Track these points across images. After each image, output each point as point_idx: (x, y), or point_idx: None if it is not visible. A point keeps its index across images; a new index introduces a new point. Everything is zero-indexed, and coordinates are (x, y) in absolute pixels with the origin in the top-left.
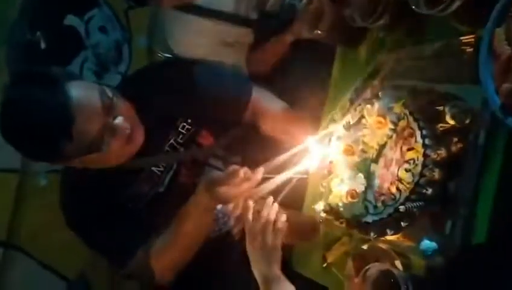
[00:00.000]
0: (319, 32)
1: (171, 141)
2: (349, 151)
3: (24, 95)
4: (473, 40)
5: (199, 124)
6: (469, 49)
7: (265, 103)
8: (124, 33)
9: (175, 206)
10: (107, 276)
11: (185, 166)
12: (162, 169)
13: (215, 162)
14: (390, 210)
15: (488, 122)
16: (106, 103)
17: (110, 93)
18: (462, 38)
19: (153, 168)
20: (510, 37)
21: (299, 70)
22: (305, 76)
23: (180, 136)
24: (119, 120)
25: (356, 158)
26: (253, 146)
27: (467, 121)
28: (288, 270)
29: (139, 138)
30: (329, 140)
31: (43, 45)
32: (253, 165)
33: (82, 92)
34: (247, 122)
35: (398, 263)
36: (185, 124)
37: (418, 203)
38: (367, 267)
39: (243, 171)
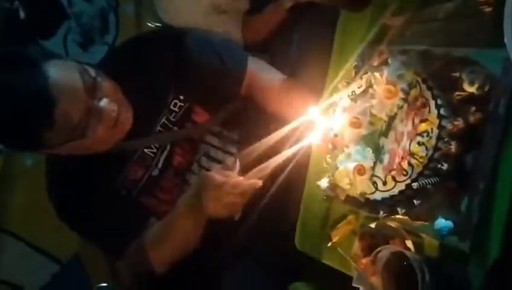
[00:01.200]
0: None
1: (163, 120)
2: (355, 124)
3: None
4: None
5: (192, 100)
6: (487, 9)
7: (263, 74)
8: (109, 0)
9: (171, 189)
10: (103, 256)
11: (179, 146)
12: (155, 150)
13: (212, 139)
14: (402, 187)
15: (509, 89)
16: (89, 83)
17: (93, 73)
18: None
19: (146, 150)
20: None
21: (298, 37)
22: (305, 43)
23: (173, 115)
24: (104, 102)
25: (363, 131)
26: (251, 121)
27: (486, 88)
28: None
29: (127, 120)
30: (333, 111)
31: (22, 15)
32: (251, 141)
33: (62, 73)
34: (243, 96)
35: (409, 242)
36: (176, 101)
37: (432, 179)
38: (378, 249)
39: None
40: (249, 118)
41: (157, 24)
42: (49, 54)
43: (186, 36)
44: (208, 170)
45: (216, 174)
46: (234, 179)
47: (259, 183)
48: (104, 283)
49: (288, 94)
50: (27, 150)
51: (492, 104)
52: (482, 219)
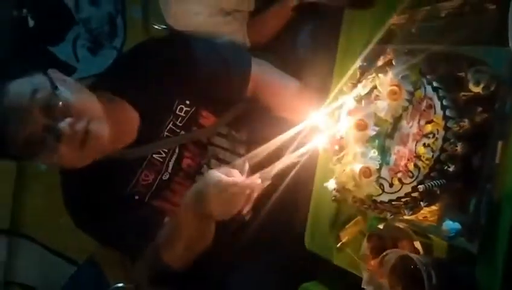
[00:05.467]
0: None
1: (170, 125)
2: (360, 126)
3: None
4: None
5: (198, 104)
6: (491, 7)
7: (267, 76)
8: (116, 4)
9: (182, 192)
10: (119, 257)
11: (188, 149)
12: (164, 155)
13: (220, 141)
14: (408, 189)
15: None
16: (44, 103)
17: (53, 92)
18: None
19: (154, 156)
20: None
21: (304, 37)
22: (311, 43)
23: (179, 120)
24: (64, 123)
25: (369, 133)
26: (259, 122)
27: (492, 88)
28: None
29: (101, 136)
30: (339, 113)
31: (31, 23)
32: (259, 142)
33: (12, 92)
34: (249, 97)
35: (417, 243)
36: (182, 106)
37: (439, 181)
38: (385, 252)
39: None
40: (256, 119)
41: (164, 26)
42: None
43: (190, 41)
44: None
45: (222, 174)
46: (240, 180)
47: (265, 183)
48: (120, 283)
49: (293, 96)
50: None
51: (499, 104)
52: (490, 219)
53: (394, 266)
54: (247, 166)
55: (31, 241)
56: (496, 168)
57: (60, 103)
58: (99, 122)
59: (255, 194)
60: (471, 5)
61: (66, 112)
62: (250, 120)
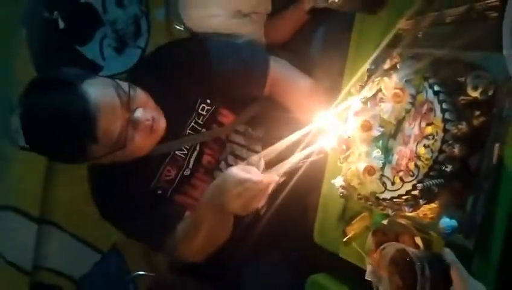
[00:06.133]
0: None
1: (192, 123)
2: (366, 127)
3: (42, 103)
4: (498, 3)
5: (218, 103)
6: (493, 14)
7: (283, 75)
8: (141, 6)
9: (202, 187)
10: (140, 246)
11: (208, 146)
12: (185, 152)
13: (238, 138)
14: (408, 187)
15: None
16: (124, 98)
17: (126, 87)
18: (486, 1)
19: (177, 152)
20: None
21: (320, 38)
22: (326, 44)
23: (201, 118)
24: (139, 113)
25: (373, 134)
26: (275, 120)
27: (490, 93)
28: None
29: (161, 125)
30: (347, 114)
31: (61, 25)
32: (274, 140)
33: (99, 92)
34: (267, 95)
35: (418, 239)
36: (204, 105)
37: (437, 181)
38: (383, 246)
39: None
40: (272, 117)
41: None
42: (83, 74)
43: (210, 42)
44: None
45: (240, 171)
46: (257, 177)
47: (280, 179)
48: (141, 271)
49: (305, 95)
50: (71, 163)
51: (496, 108)
52: (486, 217)
53: (392, 258)
54: (263, 163)
55: (59, 229)
56: (492, 169)
57: (136, 96)
58: (158, 112)
59: (270, 190)
60: (475, 12)
61: (138, 104)
62: (267, 118)
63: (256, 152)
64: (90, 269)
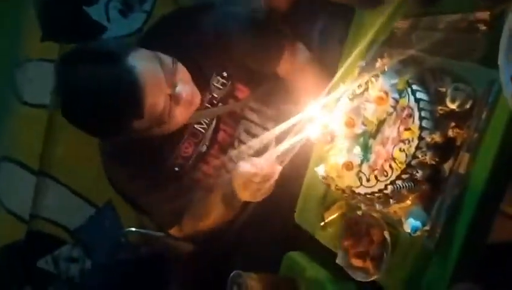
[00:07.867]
0: None
1: (209, 96)
2: (350, 124)
3: (86, 77)
4: (488, 17)
5: (234, 77)
6: (483, 27)
7: (296, 51)
8: None
9: (216, 164)
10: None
11: (223, 122)
12: (204, 126)
13: (251, 115)
14: (381, 186)
15: (489, 109)
16: (168, 72)
17: (169, 60)
18: (477, 13)
19: (196, 126)
20: None
21: (322, 25)
22: (328, 33)
23: (217, 92)
24: (180, 87)
25: (356, 131)
26: (288, 98)
27: (467, 106)
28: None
29: (197, 99)
30: (334, 108)
31: None
32: (286, 119)
33: (145, 65)
34: (281, 75)
35: (386, 233)
36: (219, 78)
37: (407, 184)
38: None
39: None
40: (285, 95)
41: None
42: (124, 45)
43: (223, 11)
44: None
45: (247, 165)
46: (263, 171)
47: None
48: (133, 227)
49: (301, 65)
50: (111, 137)
51: (472, 122)
52: (449, 221)
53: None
54: (273, 155)
55: (57, 183)
56: (460, 178)
57: (178, 70)
58: (193, 85)
59: (275, 178)
60: (464, 22)
61: (179, 79)
62: (280, 96)
63: (269, 130)
64: (84, 221)
